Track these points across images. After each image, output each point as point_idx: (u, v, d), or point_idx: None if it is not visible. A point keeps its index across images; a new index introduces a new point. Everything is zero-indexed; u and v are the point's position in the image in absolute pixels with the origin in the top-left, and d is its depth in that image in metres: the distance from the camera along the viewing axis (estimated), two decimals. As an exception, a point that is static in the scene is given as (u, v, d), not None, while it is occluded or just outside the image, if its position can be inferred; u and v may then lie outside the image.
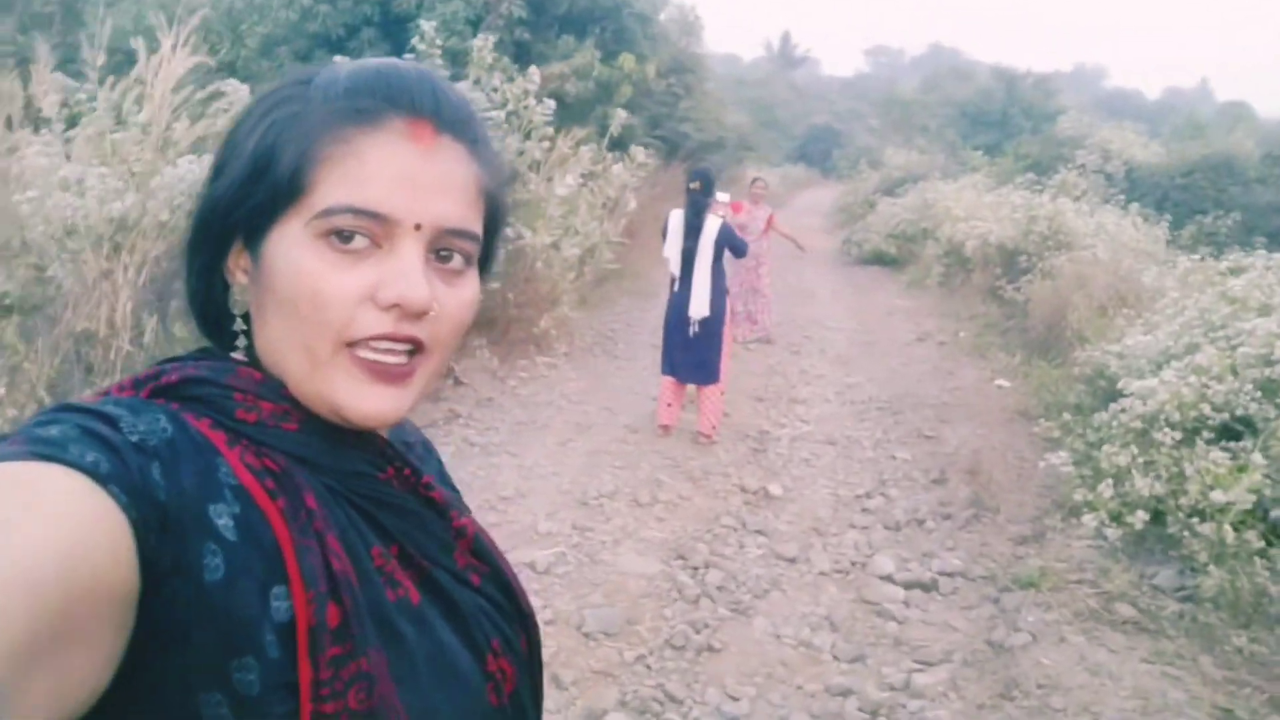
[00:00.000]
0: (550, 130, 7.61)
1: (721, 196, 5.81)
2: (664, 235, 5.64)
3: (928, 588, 3.96)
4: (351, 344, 0.61)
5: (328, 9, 12.14)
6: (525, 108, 7.53)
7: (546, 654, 3.25)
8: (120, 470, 0.50)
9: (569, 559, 4.03)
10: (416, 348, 0.63)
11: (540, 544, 4.15)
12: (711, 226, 5.40)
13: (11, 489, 0.45)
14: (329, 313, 0.60)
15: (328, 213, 0.60)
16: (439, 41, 7.12)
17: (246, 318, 0.67)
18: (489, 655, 0.70)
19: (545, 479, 4.90)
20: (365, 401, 0.62)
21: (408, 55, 7.16)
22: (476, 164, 0.66)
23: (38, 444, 0.49)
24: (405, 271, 0.61)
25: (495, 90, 7.51)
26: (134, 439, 0.53)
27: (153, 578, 0.49)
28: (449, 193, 0.63)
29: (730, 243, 5.47)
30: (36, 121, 4.86)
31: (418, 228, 0.61)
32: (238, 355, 0.67)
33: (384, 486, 0.67)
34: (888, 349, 8.72)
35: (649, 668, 3.28)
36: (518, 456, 5.18)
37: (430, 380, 0.67)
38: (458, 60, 8.67)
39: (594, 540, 4.23)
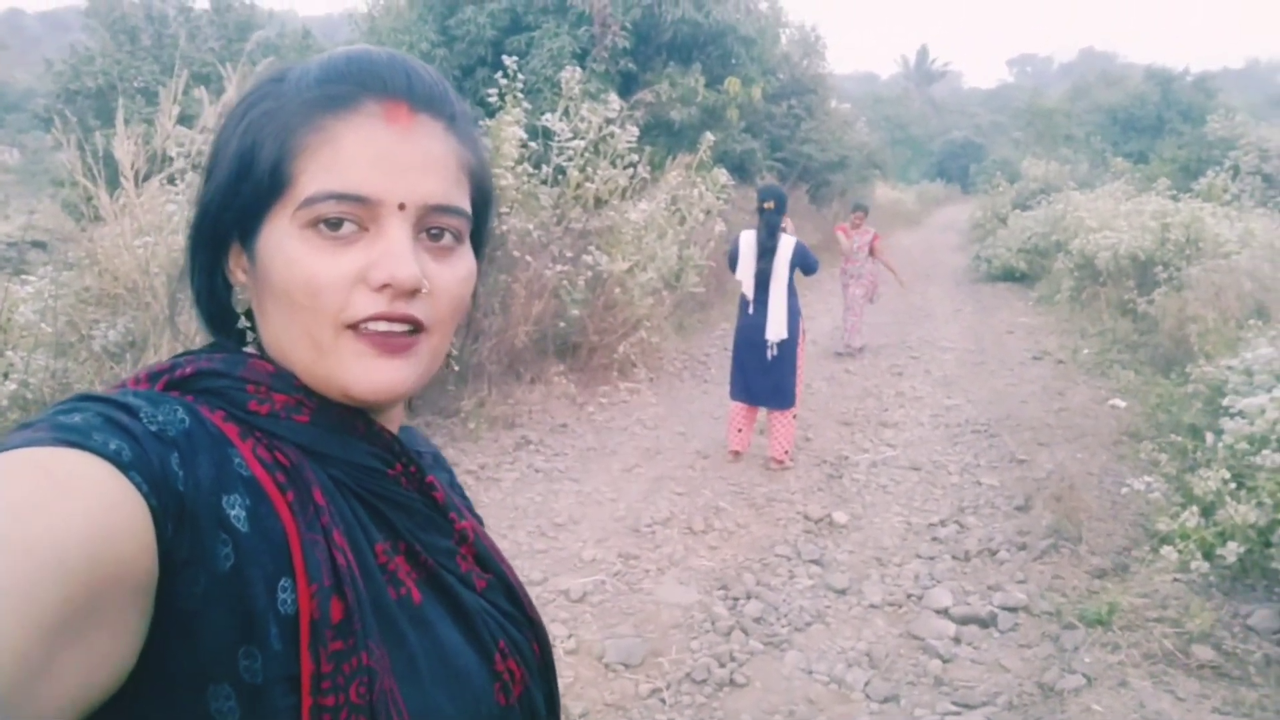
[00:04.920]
0: (635, 157, 7.64)
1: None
2: (731, 257, 5.52)
3: (985, 623, 3.67)
4: (351, 326, 0.61)
5: (444, 53, 12.68)
6: (610, 135, 7.60)
7: (563, 684, 3.21)
8: (141, 459, 0.50)
9: (607, 587, 3.96)
10: (416, 327, 0.63)
11: (582, 572, 4.09)
12: (786, 246, 5.25)
13: (38, 473, 0.46)
14: (324, 298, 0.61)
15: (311, 201, 0.60)
16: (520, 77, 7.25)
17: (250, 315, 0.68)
18: (496, 655, 0.70)
19: (601, 505, 4.85)
20: (373, 375, 0.62)
21: (489, 91, 7.37)
22: (456, 140, 0.66)
23: (61, 430, 0.49)
24: (393, 251, 0.61)
25: (583, 120, 7.62)
26: (153, 429, 0.53)
27: (170, 566, 0.50)
28: (430, 170, 0.63)
29: (803, 262, 5.30)
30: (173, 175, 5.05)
31: (401, 207, 0.62)
32: (249, 350, 0.67)
33: (392, 484, 0.67)
34: (997, 369, 8.25)
35: (663, 702, 3.17)
36: (579, 483, 5.15)
37: (434, 359, 0.67)
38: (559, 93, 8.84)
39: (637, 569, 4.14)
